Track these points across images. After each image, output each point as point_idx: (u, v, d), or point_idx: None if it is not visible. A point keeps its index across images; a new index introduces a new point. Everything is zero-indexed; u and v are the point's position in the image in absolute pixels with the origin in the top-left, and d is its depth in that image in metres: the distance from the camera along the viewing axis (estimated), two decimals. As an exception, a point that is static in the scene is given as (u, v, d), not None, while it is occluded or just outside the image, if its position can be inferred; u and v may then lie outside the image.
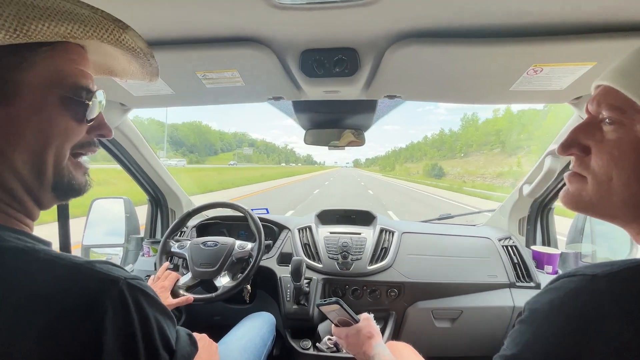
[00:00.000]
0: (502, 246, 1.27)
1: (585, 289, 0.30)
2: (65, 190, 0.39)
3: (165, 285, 0.95)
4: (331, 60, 0.74)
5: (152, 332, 0.35)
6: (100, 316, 0.31)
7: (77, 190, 0.40)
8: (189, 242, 1.17)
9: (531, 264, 1.22)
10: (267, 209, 1.75)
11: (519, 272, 1.20)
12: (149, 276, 1.06)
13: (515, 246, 1.27)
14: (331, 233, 1.30)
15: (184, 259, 1.13)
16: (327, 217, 1.46)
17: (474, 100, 0.91)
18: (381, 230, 1.30)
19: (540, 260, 1.24)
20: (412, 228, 1.36)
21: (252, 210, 1.26)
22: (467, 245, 1.28)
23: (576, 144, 0.39)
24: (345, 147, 1.27)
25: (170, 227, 1.19)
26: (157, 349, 0.35)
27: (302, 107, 1.08)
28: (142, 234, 1.54)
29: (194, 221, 1.46)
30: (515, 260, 1.22)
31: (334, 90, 0.87)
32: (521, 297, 1.14)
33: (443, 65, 0.72)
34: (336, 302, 0.71)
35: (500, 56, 0.67)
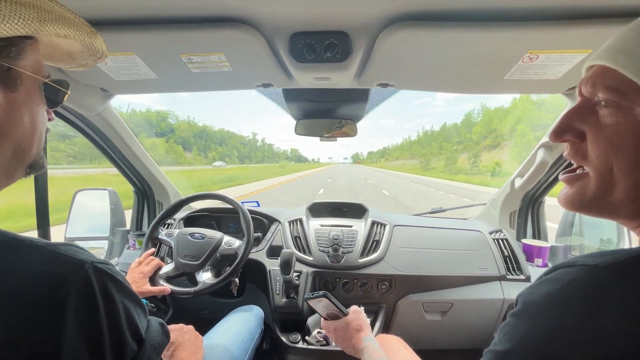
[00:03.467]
0: (493, 239, 1.27)
1: (586, 280, 0.28)
2: (36, 168, 0.41)
3: (144, 270, 0.94)
4: (322, 44, 0.71)
5: (119, 319, 0.33)
6: (62, 302, 0.29)
7: (43, 167, 0.41)
8: (177, 231, 1.14)
9: (522, 257, 1.22)
10: (257, 202, 1.72)
11: (510, 265, 1.20)
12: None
13: (506, 239, 1.27)
14: (322, 226, 1.28)
15: (170, 247, 1.11)
16: (319, 209, 1.44)
17: (468, 89, 0.89)
18: (373, 223, 1.28)
19: (531, 254, 1.25)
20: (403, 221, 1.34)
21: (242, 203, 1.24)
22: (458, 239, 1.28)
23: (570, 129, 0.36)
24: (338, 138, 1.25)
25: (161, 213, 1.17)
26: (124, 338, 0.34)
27: (292, 96, 1.05)
28: (128, 227, 1.50)
29: (182, 213, 1.42)
30: (506, 253, 1.23)
31: (325, 77, 0.84)
32: (511, 290, 1.14)
33: (437, 51, 0.70)
34: (324, 296, 0.70)
35: (496, 41, 0.65)
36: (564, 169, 0.96)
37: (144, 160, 1.34)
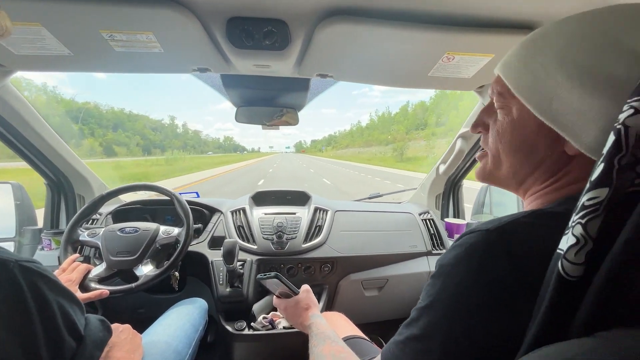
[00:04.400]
0: (422, 220, 1.42)
1: (481, 242, 0.35)
2: None
3: (72, 278, 0.83)
4: (260, 31, 0.70)
5: (54, 317, 0.31)
6: None
7: None
8: (103, 229, 1.03)
9: (444, 234, 1.39)
10: (197, 193, 1.65)
11: (435, 242, 1.36)
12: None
13: (432, 219, 1.43)
14: (266, 214, 1.28)
15: (97, 248, 1.00)
16: (262, 198, 1.44)
17: (399, 83, 0.97)
18: (315, 209, 1.33)
19: (451, 230, 1.43)
20: (344, 207, 1.42)
21: (180, 194, 1.17)
22: (393, 221, 1.40)
23: (481, 123, 0.47)
24: (280, 127, 1.25)
25: (78, 212, 1.04)
26: (61, 336, 0.32)
27: (232, 82, 1.02)
28: (40, 225, 1.31)
29: (108, 207, 1.29)
30: (432, 232, 1.39)
31: (265, 65, 0.83)
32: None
33: (370, 46, 0.75)
34: (275, 277, 0.72)
35: (419, 41, 0.72)
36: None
37: (57, 148, 1.18)
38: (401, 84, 0.98)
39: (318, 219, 1.30)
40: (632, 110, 0.23)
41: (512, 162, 0.42)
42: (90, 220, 1.25)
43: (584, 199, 0.24)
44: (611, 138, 0.24)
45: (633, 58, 0.31)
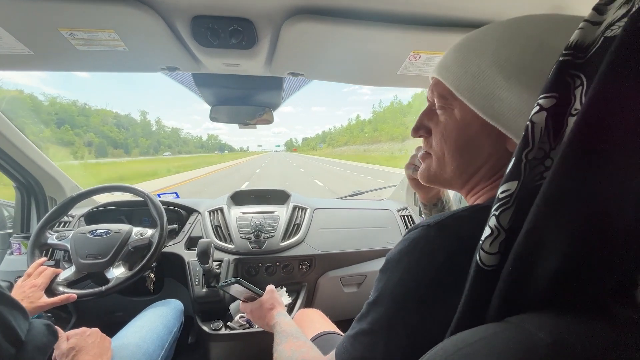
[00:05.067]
0: (400, 216, 1.45)
1: (422, 237, 0.36)
2: None
3: (37, 283, 0.81)
4: (226, 30, 0.70)
5: None
6: None
7: None
8: (72, 232, 1.01)
9: (421, 230, 1.42)
10: (177, 193, 1.63)
11: None
12: (20, 276, 0.89)
13: (410, 215, 1.46)
14: (244, 213, 1.28)
15: (66, 251, 0.98)
16: (241, 198, 1.44)
17: (370, 81, 0.98)
18: (294, 208, 1.33)
19: (429, 226, 1.46)
20: (324, 204, 1.43)
21: (158, 195, 1.16)
22: (372, 217, 1.42)
23: (422, 126, 0.47)
24: (257, 125, 1.25)
25: (46, 215, 1.01)
26: None
27: (204, 81, 1.01)
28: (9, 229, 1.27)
29: (82, 209, 1.26)
30: (409, 228, 1.41)
31: (234, 64, 0.83)
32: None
33: (338, 45, 0.76)
34: (236, 282, 0.72)
35: (385, 40, 0.73)
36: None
37: (24, 149, 1.14)
38: (373, 82, 1.00)
39: (297, 217, 1.31)
40: (537, 107, 0.24)
41: (459, 162, 0.42)
42: (62, 223, 1.22)
43: (498, 192, 0.26)
44: (522, 134, 0.25)
45: (558, 55, 0.33)
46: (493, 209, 0.26)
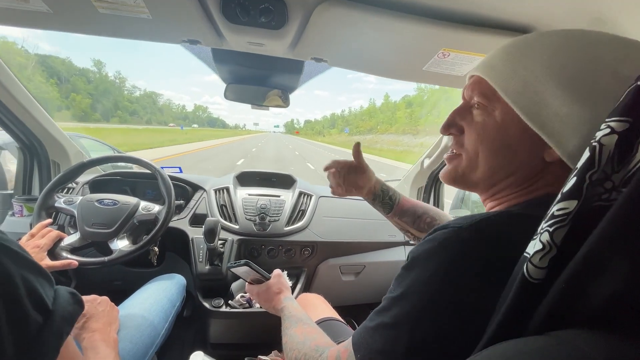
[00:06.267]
0: None
1: (454, 239, 0.36)
2: None
3: (40, 244, 0.81)
4: (257, 7, 0.67)
5: (18, 293, 0.30)
6: None
7: None
8: (80, 198, 1.00)
9: (422, 226, 1.44)
10: (180, 168, 1.61)
11: None
12: (20, 239, 0.88)
13: None
14: (250, 195, 1.28)
15: (72, 216, 0.98)
16: (247, 179, 1.43)
17: (393, 74, 0.97)
18: (300, 194, 1.34)
19: (430, 223, 1.48)
20: (328, 192, 1.43)
21: (162, 168, 1.14)
22: (375, 210, 1.43)
23: (454, 124, 0.46)
24: (270, 108, 1.23)
25: (57, 177, 1.00)
26: (24, 312, 0.31)
27: (223, 57, 0.98)
28: (10, 190, 1.26)
29: (86, 176, 1.25)
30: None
31: (259, 43, 0.81)
32: (412, 253, 1.35)
33: (367, 34, 0.74)
34: (245, 264, 0.73)
35: (416, 34, 0.71)
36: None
37: (30, 110, 1.11)
38: (395, 75, 0.98)
39: (302, 203, 1.31)
40: (608, 130, 0.24)
41: (492, 164, 0.41)
42: (66, 189, 1.21)
43: (554, 209, 0.26)
44: (586, 154, 0.25)
45: (611, 74, 0.33)
46: (546, 224, 0.26)
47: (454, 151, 0.47)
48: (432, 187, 1.65)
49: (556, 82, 0.35)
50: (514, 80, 0.38)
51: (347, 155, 0.88)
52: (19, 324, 0.31)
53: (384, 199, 0.83)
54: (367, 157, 0.83)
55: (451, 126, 0.46)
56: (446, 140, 1.27)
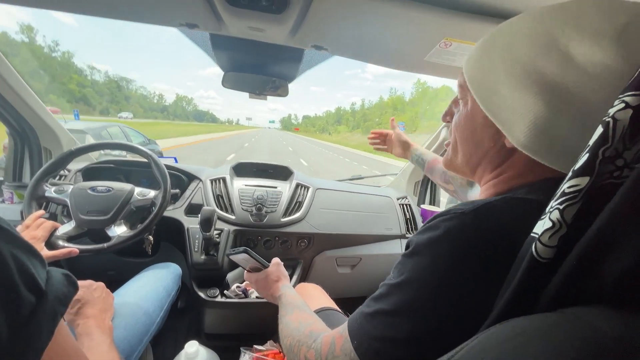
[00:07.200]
0: (399, 204, 1.47)
1: (456, 225, 0.36)
2: None
3: (36, 235, 0.79)
4: None
5: (8, 271, 0.29)
6: None
7: None
8: (71, 186, 0.98)
9: (419, 220, 1.44)
10: (175, 158, 1.59)
11: (409, 226, 1.41)
12: (15, 226, 0.86)
13: (409, 204, 1.48)
14: (246, 185, 1.27)
15: (65, 206, 0.95)
16: (244, 170, 1.42)
17: (394, 64, 0.96)
18: (297, 185, 1.33)
19: (426, 217, 1.48)
20: (326, 185, 1.43)
21: (158, 157, 1.12)
22: (371, 203, 1.43)
23: (450, 113, 0.49)
24: (268, 97, 1.22)
25: (43, 167, 0.97)
26: (16, 291, 0.29)
27: (221, 44, 0.96)
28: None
29: (78, 164, 1.22)
30: (408, 216, 1.43)
31: (259, 28, 0.79)
32: (408, 246, 1.36)
33: (369, 22, 0.73)
34: (244, 252, 0.72)
35: (419, 22, 0.70)
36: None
37: (22, 94, 1.08)
38: (395, 65, 0.97)
39: (299, 195, 1.30)
40: (623, 105, 0.23)
41: (464, 151, 0.45)
42: (58, 177, 1.18)
43: (565, 186, 0.26)
44: (599, 130, 0.25)
45: (563, 59, 0.32)
46: (556, 202, 0.26)
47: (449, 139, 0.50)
48: (428, 181, 1.66)
49: (506, 71, 0.36)
50: (477, 70, 0.40)
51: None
52: (11, 305, 0.29)
53: (417, 159, 1.01)
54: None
55: (447, 114, 0.50)
56: (444, 133, 1.27)
